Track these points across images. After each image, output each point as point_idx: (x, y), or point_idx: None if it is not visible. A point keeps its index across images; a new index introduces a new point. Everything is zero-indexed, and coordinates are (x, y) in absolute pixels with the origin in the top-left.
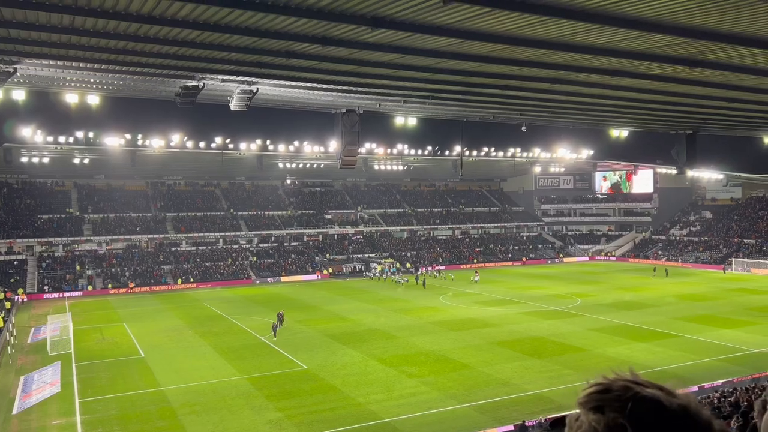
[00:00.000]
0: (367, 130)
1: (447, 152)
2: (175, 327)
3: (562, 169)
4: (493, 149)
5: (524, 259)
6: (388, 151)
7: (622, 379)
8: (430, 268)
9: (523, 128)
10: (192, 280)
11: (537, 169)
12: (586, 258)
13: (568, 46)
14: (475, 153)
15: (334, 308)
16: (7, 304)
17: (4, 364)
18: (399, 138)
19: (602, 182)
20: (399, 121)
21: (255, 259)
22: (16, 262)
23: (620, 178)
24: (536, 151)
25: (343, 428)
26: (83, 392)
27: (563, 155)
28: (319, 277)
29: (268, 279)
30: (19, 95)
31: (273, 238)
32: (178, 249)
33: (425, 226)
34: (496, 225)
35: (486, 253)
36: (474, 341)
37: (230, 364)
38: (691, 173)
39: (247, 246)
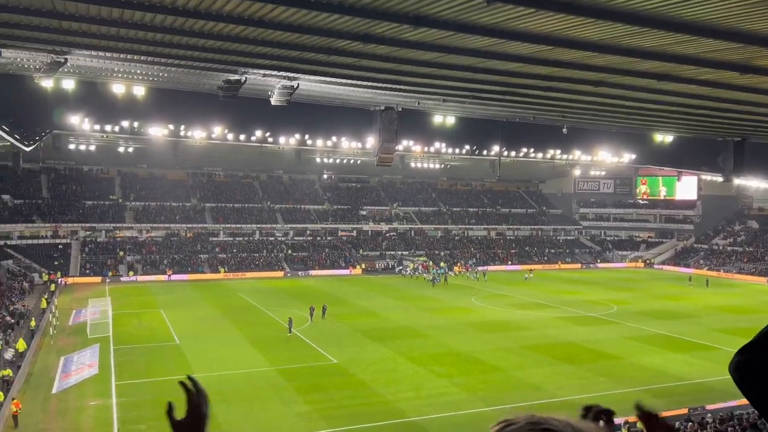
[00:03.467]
0: (405, 128)
1: (485, 152)
2: (210, 316)
3: (603, 173)
4: (532, 150)
5: (560, 263)
6: (426, 149)
7: (527, 415)
8: (465, 268)
9: (564, 130)
10: (227, 270)
11: (576, 172)
12: (624, 264)
13: (613, 48)
14: (513, 153)
15: (365, 304)
16: (52, 287)
17: (45, 345)
18: (437, 136)
19: (643, 188)
20: (437, 119)
21: (290, 251)
22: (60, 246)
23: (663, 184)
24: (576, 154)
25: (372, 424)
26: (120, 375)
27: (604, 159)
28: (351, 273)
29: (299, 272)
30: (69, 84)
31: (308, 232)
32: (216, 239)
33: (460, 226)
34: (532, 227)
35: (521, 255)
36: (505, 344)
37: (262, 355)
38: (737, 181)
39: (282, 238)
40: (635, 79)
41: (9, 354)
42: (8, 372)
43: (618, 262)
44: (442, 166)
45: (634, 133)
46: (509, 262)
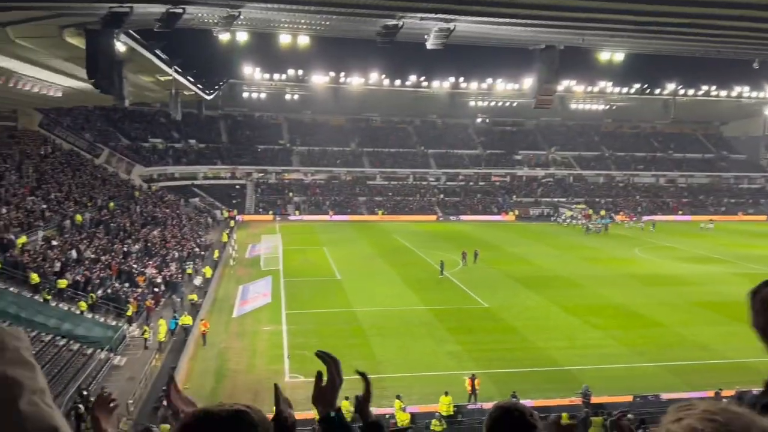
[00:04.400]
0: (565, 67)
1: (657, 90)
2: (367, 255)
3: None
4: (713, 88)
5: (740, 214)
6: (588, 89)
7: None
8: (629, 217)
9: (755, 65)
10: (383, 212)
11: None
12: None
13: None
14: (691, 92)
15: (517, 250)
16: (231, 223)
17: (226, 274)
18: (601, 74)
19: None
20: (603, 56)
21: (442, 196)
22: (237, 186)
23: None
24: None
25: (521, 369)
26: (289, 305)
27: None
28: (503, 219)
29: (451, 217)
30: (242, 37)
31: (460, 177)
32: (372, 183)
33: (624, 172)
34: (709, 174)
35: (694, 204)
36: (670, 299)
37: (415, 294)
38: None
39: (435, 183)
40: None
41: (198, 280)
42: (194, 297)
43: None
44: (607, 106)
45: None
46: (680, 212)
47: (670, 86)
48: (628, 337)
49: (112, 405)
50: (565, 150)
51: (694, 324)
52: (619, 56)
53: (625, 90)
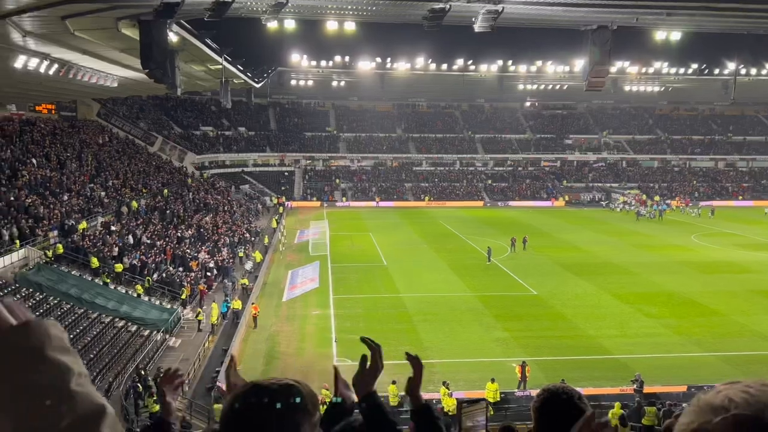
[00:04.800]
0: (618, 48)
1: (716, 70)
2: (413, 241)
3: None
4: None
5: None
6: (643, 70)
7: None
8: (685, 203)
9: None
10: (429, 198)
11: None
12: None
13: None
14: (753, 71)
15: (567, 237)
16: (280, 209)
17: (276, 259)
18: (657, 55)
19: None
20: (659, 36)
21: (489, 181)
22: (286, 173)
23: None
24: None
25: (570, 357)
26: (336, 290)
27: None
28: (553, 205)
29: (498, 202)
30: (290, 24)
31: (508, 162)
32: (419, 169)
33: (680, 156)
34: None
35: (756, 189)
36: (728, 287)
37: (461, 281)
38: None
39: (482, 168)
40: None
41: (248, 265)
42: (246, 281)
43: None
44: (662, 88)
45: None
46: (740, 197)
47: (731, 66)
48: (682, 325)
49: (177, 381)
50: (618, 134)
51: (754, 313)
52: (675, 35)
53: (681, 71)
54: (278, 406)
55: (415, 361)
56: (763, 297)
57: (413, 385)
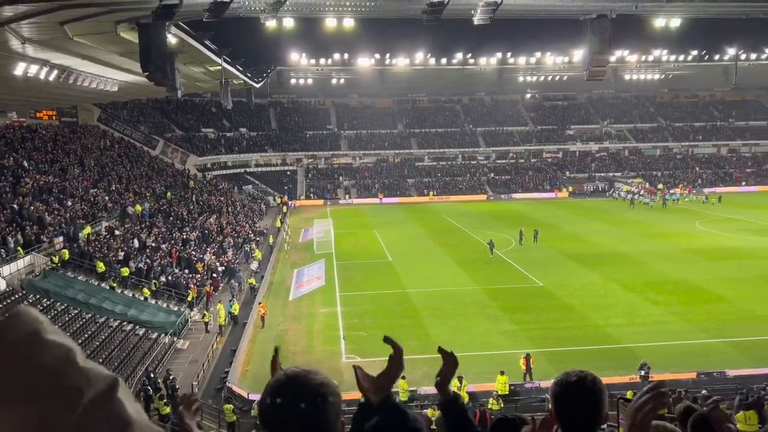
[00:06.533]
0: (618, 36)
1: (716, 56)
2: (418, 236)
3: None
4: None
5: None
6: (643, 58)
7: None
8: (688, 190)
9: None
10: (434, 193)
11: None
12: None
13: None
14: (753, 56)
15: (572, 228)
16: (284, 209)
17: (281, 259)
18: (656, 42)
19: None
20: (659, 23)
21: (492, 175)
22: (288, 173)
23: None
24: None
25: (579, 348)
26: (342, 287)
27: None
28: (557, 196)
29: (502, 195)
30: (289, 23)
31: (510, 154)
32: (421, 164)
33: (683, 143)
34: None
35: (759, 174)
36: (735, 273)
37: (467, 274)
38: None
39: (484, 162)
40: None
41: (254, 265)
42: (253, 280)
43: None
44: (662, 76)
45: None
46: (743, 183)
47: (731, 51)
48: (690, 313)
49: (195, 407)
50: (620, 123)
51: (760, 298)
52: (675, 22)
53: (681, 57)
54: (313, 400)
55: (448, 356)
56: None
57: (444, 378)
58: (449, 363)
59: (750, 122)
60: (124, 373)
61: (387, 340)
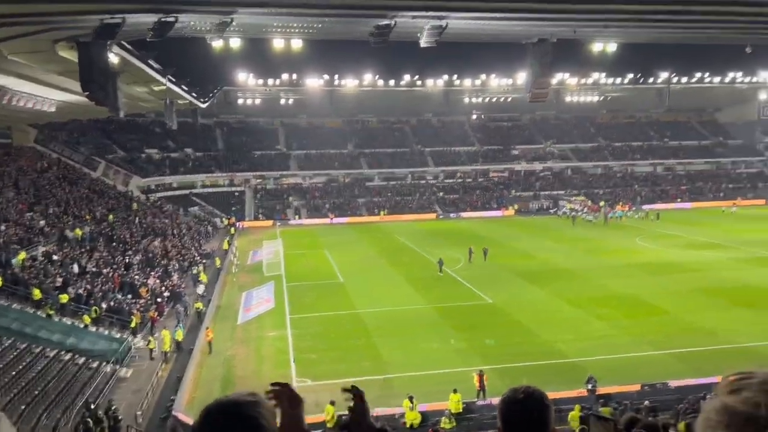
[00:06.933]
0: (559, 59)
1: (651, 79)
2: (369, 256)
3: None
4: (707, 74)
5: (739, 199)
6: (582, 81)
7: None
8: (628, 207)
9: (748, 49)
10: (385, 212)
11: (762, 97)
12: None
13: None
14: (684, 79)
15: (519, 245)
16: (231, 230)
17: (229, 282)
18: (595, 66)
19: None
20: (596, 47)
21: (441, 194)
22: (236, 193)
23: None
24: (763, 76)
25: (528, 363)
26: (293, 309)
27: None
28: (503, 214)
29: (451, 214)
30: (235, 43)
31: (458, 174)
32: (371, 183)
33: (622, 162)
34: (706, 160)
35: (693, 191)
36: (675, 287)
37: (418, 293)
38: None
39: (433, 181)
40: None
41: (201, 289)
42: (200, 305)
43: None
44: (601, 98)
45: None
46: (678, 200)
47: (664, 74)
48: (634, 326)
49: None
50: (562, 143)
51: (699, 310)
52: (611, 47)
53: (618, 80)
54: (242, 419)
55: (351, 391)
56: (708, 295)
57: (359, 414)
58: (356, 398)
59: (683, 142)
60: (62, 405)
61: (347, 390)
